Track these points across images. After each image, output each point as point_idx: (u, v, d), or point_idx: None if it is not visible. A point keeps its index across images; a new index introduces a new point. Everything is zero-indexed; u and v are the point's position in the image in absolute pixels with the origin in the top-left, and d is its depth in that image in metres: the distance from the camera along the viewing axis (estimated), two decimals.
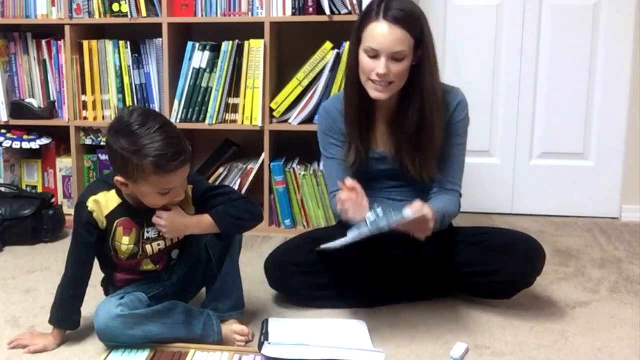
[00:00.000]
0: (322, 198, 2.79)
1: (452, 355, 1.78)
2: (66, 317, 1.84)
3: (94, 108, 2.92)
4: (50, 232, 2.73)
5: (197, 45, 2.79)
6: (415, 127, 1.95)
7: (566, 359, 1.79)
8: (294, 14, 2.74)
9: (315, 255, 2.05)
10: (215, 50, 2.79)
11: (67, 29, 2.85)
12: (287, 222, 2.84)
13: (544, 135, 3.04)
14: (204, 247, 1.91)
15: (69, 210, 2.96)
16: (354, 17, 2.58)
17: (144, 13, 2.81)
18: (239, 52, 2.77)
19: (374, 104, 2.00)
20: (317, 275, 2.04)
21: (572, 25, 2.94)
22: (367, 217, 1.75)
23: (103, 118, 2.93)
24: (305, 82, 2.74)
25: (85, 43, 2.88)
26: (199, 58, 2.78)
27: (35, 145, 2.95)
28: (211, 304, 1.90)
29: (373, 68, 1.88)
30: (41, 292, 2.23)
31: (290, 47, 2.98)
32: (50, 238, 2.73)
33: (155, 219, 1.78)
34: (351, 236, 1.78)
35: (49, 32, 2.98)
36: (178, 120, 2.81)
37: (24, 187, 3.03)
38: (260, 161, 2.84)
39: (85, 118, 2.93)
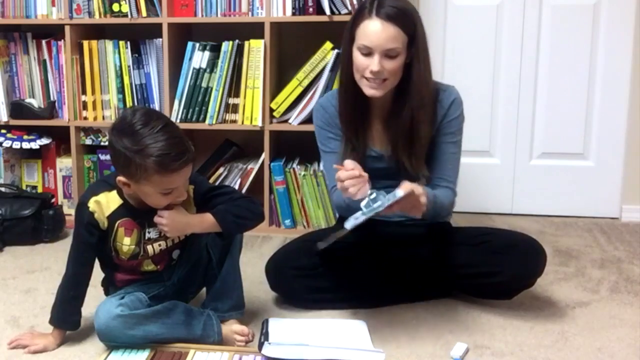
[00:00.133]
0: (322, 198, 2.79)
1: (452, 355, 1.78)
2: (66, 317, 1.84)
3: (94, 108, 2.92)
4: (50, 232, 2.73)
5: (197, 45, 2.79)
6: (410, 125, 1.95)
7: (566, 359, 1.79)
8: (294, 14, 2.74)
9: (316, 258, 2.06)
10: (215, 50, 2.79)
11: (67, 29, 2.85)
12: (287, 222, 2.84)
13: (544, 135, 3.04)
14: (204, 247, 1.91)
15: (69, 210, 2.97)
16: None
17: (144, 13, 2.82)
18: (239, 52, 2.77)
19: (369, 102, 1.99)
20: (318, 279, 2.04)
21: (572, 25, 2.94)
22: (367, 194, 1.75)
23: (103, 118, 2.93)
24: (305, 82, 2.74)
25: (85, 43, 2.88)
26: (199, 58, 2.78)
27: (35, 145, 2.95)
28: (211, 303, 1.90)
29: (367, 66, 1.88)
30: (41, 292, 2.23)
31: (290, 47, 2.98)
32: (50, 238, 2.73)
33: (156, 219, 1.78)
34: (348, 225, 1.77)
35: (49, 32, 2.98)
36: (178, 120, 2.81)
37: (24, 187, 3.03)
38: (260, 161, 2.84)
39: (85, 118, 2.93)
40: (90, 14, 2.86)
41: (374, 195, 1.74)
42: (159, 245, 1.84)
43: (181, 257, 1.91)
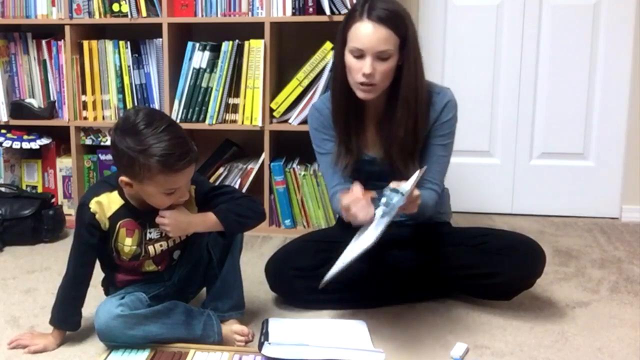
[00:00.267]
0: (322, 198, 2.79)
1: (452, 355, 1.78)
2: (67, 318, 1.84)
3: (94, 108, 2.92)
4: (50, 232, 2.73)
5: (197, 45, 2.79)
6: (402, 129, 1.94)
7: (566, 359, 1.79)
8: (294, 14, 2.74)
9: (316, 258, 2.06)
10: (215, 50, 2.79)
11: (67, 29, 2.85)
12: (287, 222, 2.84)
13: (544, 135, 3.04)
14: (205, 247, 1.91)
15: (69, 210, 2.97)
16: None
17: (144, 13, 2.81)
18: (239, 52, 2.77)
19: (363, 105, 1.99)
20: (318, 279, 2.03)
21: (572, 25, 2.94)
22: (375, 213, 1.73)
23: (103, 118, 2.93)
24: (305, 82, 2.74)
25: (85, 43, 2.88)
26: (199, 58, 2.78)
27: (35, 145, 2.95)
28: (211, 303, 1.90)
29: (359, 68, 1.87)
30: (41, 292, 2.23)
31: (290, 47, 2.98)
32: (50, 238, 2.73)
33: (158, 219, 1.77)
34: (358, 248, 1.75)
35: (49, 32, 2.98)
36: (178, 120, 2.81)
37: (24, 187, 3.03)
38: (260, 161, 2.84)
39: (85, 118, 2.93)
40: (90, 14, 2.86)
41: (383, 199, 1.72)
42: (160, 245, 1.84)
43: (182, 257, 1.91)
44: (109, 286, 1.92)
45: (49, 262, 2.51)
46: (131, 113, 1.70)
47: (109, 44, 2.88)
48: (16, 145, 2.93)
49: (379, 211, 1.74)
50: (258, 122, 2.78)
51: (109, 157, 2.93)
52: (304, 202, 2.82)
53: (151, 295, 1.84)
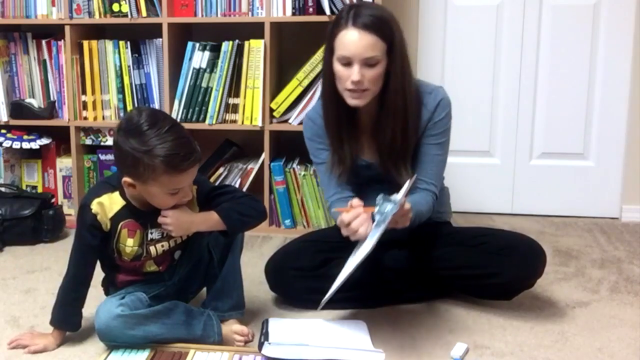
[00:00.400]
0: (322, 198, 2.79)
1: (452, 355, 1.78)
2: (67, 318, 1.84)
3: (94, 108, 2.92)
4: (50, 232, 2.73)
5: (197, 45, 2.79)
6: (392, 134, 1.94)
7: (566, 359, 1.79)
8: (294, 14, 2.74)
9: (316, 259, 2.07)
10: (215, 50, 2.79)
11: (67, 29, 2.85)
12: (287, 222, 2.84)
13: (544, 135, 3.04)
14: (205, 247, 1.91)
15: (69, 210, 2.97)
16: None
17: (144, 13, 2.82)
18: (239, 52, 2.77)
19: (355, 112, 1.99)
20: (318, 280, 2.03)
21: (572, 25, 2.94)
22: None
23: (103, 118, 2.93)
24: (305, 82, 2.74)
25: (85, 43, 2.88)
26: (199, 58, 2.78)
27: (35, 145, 2.95)
28: (212, 303, 1.90)
29: (348, 76, 1.87)
30: (41, 292, 2.23)
31: (290, 47, 2.98)
32: (50, 238, 2.73)
33: (160, 219, 1.77)
34: (354, 262, 1.77)
35: (49, 32, 2.98)
36: (178, 120, 2.80)
37: (24, 187, 3.03)
38: (260, 161, 2.84)
39: (85, 118, 2.93)
40: (90, 14, 2.86)
41: (376, 208, 1.73)
42: (162, 246, 1.84)
43: (182, 256, 1.91)
44: (109, 286, 1.92)
45: (49, 262, 2.51)
46: (134, 114, 1.70)
47: (109, 44, 2.88)
48: (16, 145, 2.93)
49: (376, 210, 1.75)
50: (258, 122, 2.78)
51: (109, 157, 2.94)
52: (304, 202, 2.82)
53: (151, 295, 1.85)
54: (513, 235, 2.13)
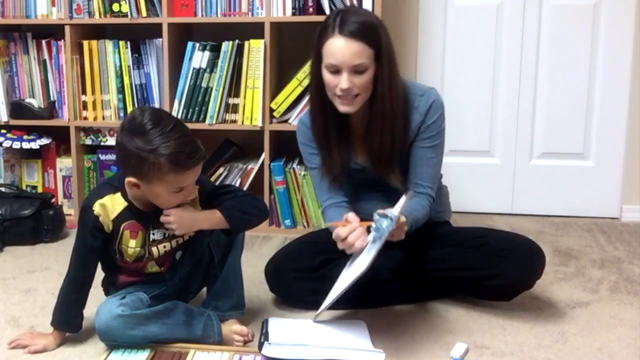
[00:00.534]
0: None
1: (452, 355, 1.78)
2: (69, 320, 1.84)
3: (94, 108, 2.92)
4: (50, 232, 2.73)
5: (197, 45, 2.79)
6: (380, 139, 1.94)
7: (566, 359, 1.79)
8: (294, 14, 2.74)
9: (315, 260, 2.07)
10: (215, 50, 2.79)
11: (67, 29, 2.85)
12: (287, 222, 2.84)
13: (544, 135, 3.04)
14: (206, 246, 1.91)
15: (69, 210, 2.97)
16: None
17: (144, 13, 2.82)
18: (239, 52, 2.77)
19: (347, 117, 1.99)
20: (318, 281, 2.03)
21: (572, 25, 2.94)
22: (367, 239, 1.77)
23: (103, 118, 2.93)
24: (305, 82, 2.74)
25: (85, 43, 2.88)
26: (199, 58, 2.78)
27: (35, 145, 2.95)
28: (212, 302, 1.90)
29: (336, 83, 1.87)
30: (41, 292, 2.23)
31: (290, 47, 2.97)
32: (50, 238, 2.73)
33: (163, 218, 1.77)
34: (350, 277, 1.78)
35: (49, 32, 2.98)
36: None
37: (24, 187, 3.03)
38: (260, 161, 2.84)
39: (85, 118, 2.93)
40: (90, 14, 2.86)
41: (374, 224, 1.75)
42: (164, 247, 1.84)
43: (183, 256, 1.91)
44: (110, 286, 1.92)
45: (49, 262, 2.51)
46: (137, 113, 1.70)
47: (109, 44, 2.88)
48: (16, 145, 2.93)
49: (370, 237, 1.77)
50: (258, 122, 2.78)
51: (109, 157, 2.94)
52: (304, 202, 2.82)
53: (152, 295, 1.85)
54: (512, 236, 2.13)
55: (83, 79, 2.91)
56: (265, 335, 1.81)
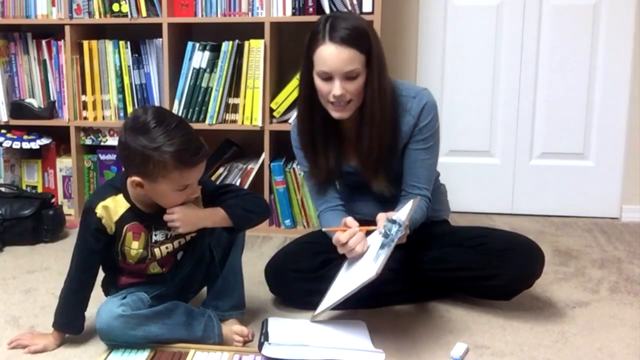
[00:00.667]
0: None
1: (452, 355, 1.78)
2: (70, 321, 1.84)
3: (94, 108, 2.92)
4: (50, 232, 2.73)
5: (197, 45, 2.79)
6: (369, 144, 1.94)
7: (566, 359, 1.79)
8: (294, 14, 2.74)
9: (315, 260, 2.07)
10: (215, 50, 2.79)
11: (67, 29, 2.85)
12: (287, 222, 2.84)
13: (544, 135, 3.04)
14: (207, 246, 1.91)
15: (69, 210, 2.97)
16: None
17: (144, 13, 2.82)
18: (239, 52, 2.77)
19: (338, 123, 1.99)
20: (318, 281, 2.03)
21: (572, 25, 2.94)
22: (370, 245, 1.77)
23: (103, 118, 2.93)
24: None
25: (85, 43, 2.88)
26: (199, 58, 2.78)
27: (35, 145, 2.95)
28: (212, 302, 1.90)
29: (329, 90, 1.87)
30: (41, 292, 2.23)
31: (290, 47, 2.97)
32: (50, 238, 2.73)
33: (166, 216, 1.77)
34: (356, 283, 1.77)
35: (49, 32, 2.98)
36: None
37: (24, 187, 3.04)
38: (260, 161, 2.84)
39: (85, 118, 2.93)
40: (90, 14, 2.86)
41: (382, 230, 1.75)
42: (166, 248, 1.84)
43: (184, 256, 1.91)
44: (110, 287, 1.92)
45: (49, 262, 2.51)
46: (139, 112, 1.70)
47: (109, 44, 2.88)
48: (16, 145, 2.93)
49: (378, 242, 1.76)
50: (258, 122, 2.78)
51: (109, 157, 2.94)
52: (304, 202, 2.82)
53: (152, 295, 1.84)
54: (511, 236, 2.13)
55: (83, 79, 2.91)
56: (265, 336, 1.81)
